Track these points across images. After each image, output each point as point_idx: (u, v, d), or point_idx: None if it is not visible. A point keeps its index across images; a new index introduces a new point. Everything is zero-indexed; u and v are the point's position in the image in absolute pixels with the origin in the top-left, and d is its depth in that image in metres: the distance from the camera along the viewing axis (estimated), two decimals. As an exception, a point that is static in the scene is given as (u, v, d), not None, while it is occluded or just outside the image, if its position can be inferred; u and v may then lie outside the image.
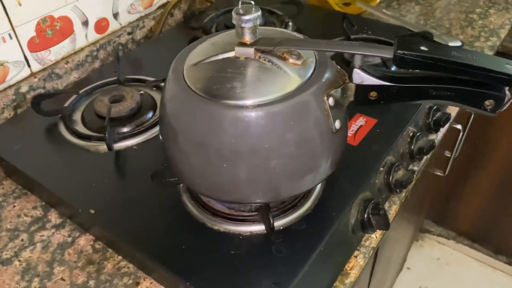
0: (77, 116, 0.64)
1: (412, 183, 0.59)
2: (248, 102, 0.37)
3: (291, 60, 0.40)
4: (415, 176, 0.58)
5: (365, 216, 0.50)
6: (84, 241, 0.54)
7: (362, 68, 0.40)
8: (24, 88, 0.69)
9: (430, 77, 0.39)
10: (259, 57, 0.41)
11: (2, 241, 0.55)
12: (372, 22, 0.83)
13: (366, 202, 0.51)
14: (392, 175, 0.54)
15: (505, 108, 0.39)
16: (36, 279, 0.50)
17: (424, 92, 0.39)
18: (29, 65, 0.70)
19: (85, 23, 0.75)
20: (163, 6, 0.88)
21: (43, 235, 0.55)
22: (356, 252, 0.52)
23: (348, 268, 0.50)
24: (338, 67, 0.43)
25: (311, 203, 0.49)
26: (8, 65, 0.67)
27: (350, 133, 0.58)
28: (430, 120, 0.63)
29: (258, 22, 0.40)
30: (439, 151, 0.95)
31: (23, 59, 0.69)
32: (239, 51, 0.41)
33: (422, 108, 0.62)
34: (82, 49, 0.77)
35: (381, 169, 0.54)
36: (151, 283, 0.49)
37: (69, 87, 0.74)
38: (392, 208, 0.57)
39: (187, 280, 0.43)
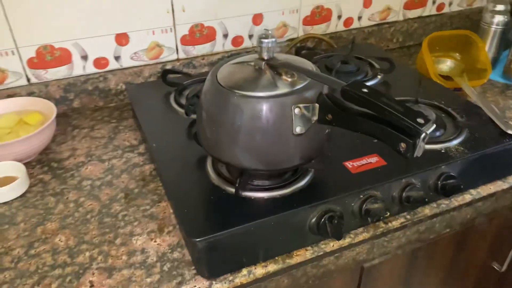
0: (186, 92, 0.91)
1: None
2: (237, 91, 0.56)
3: (283, 77, 0.57)
4: (388, 214, 0.66)
5: (321, 220, 0.62)
6: (148, 167, 0.79)
7: (326, 94, 0.54)
8: (168, 66, 1.00)
9: (368, 114, 0.51)
10: (265, 68, 0.59)
11: (107, 149, 0.84)
12: (454, 97, 0.89)
13: (329, 211, 0.62)
14: (366, 204, 0.64)
15: (416, 155, 0.48)
16: (109, 176, 0.77)
17: (360, 124, 0.51)
18: (177, 53, 1.00)
19: (225, 36, 1.03)
20: (291, 39, 1.10)
21: (129, 155, 0.82)
22: (308, 248, 0.64)
23: (295, 254, 0.63)
24: (327, 92, 0.58)
25: (284, 192, 0.63)
26: (164, 48, 0.98)
27: (356, 164, 0.69)
28: (438, 182, 0.69)
29: (270, 45, 0.58)
30: (500, 242, 0.93)
31: (175, 48, 0.99)
32: (256, 62, 0.60)
33: (434, 169, 0.69)
34: (217, 53, 1.04)
35: (361, 196, 0.65)
36: (166, 204, 0.70)
37: (197, 76, 1.02)
38: (362, 234, 0.66)
39: (174, 200, 0.63)
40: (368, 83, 0.93)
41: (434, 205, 0.71)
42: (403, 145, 0.48)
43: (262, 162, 0.59)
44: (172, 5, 0.93)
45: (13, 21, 0.83)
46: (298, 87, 0.57)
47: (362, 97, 0.50)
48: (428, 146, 0.72)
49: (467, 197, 0.73)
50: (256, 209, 0.61)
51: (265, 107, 0.55)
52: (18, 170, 0.74)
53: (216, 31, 1.01)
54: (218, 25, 1.01)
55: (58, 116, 0.94)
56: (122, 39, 0.93)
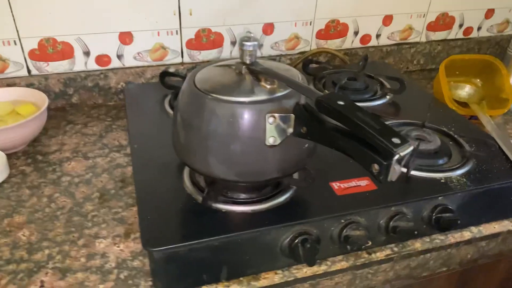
0: (183, 96, 0.88)
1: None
2: (212, 94, 0.52)
3: (262, 83, 0.53)
4: (369, 243, 0.60)
5: (294, 242, 0.56)
6: (131, 169, 0.76)
7: (303, 104, 0.50)
8: (171, 69, 0.98)
9: (343, 130, 0.46)
10: (245, 73, 0.55)
11: (95, 147, 0.82)
12: (466, 125, 0.82)
13: (304, 234, 0.57)
14: (346, 230, 0.58)
15: (390, 179, 0.42)
16: (90, 174, 0.75)
17: (334, 140, 0.46)
18: (182, 57, 0.98)
19: (233, 43, 1.00)
20: (303, 52, 1.06)
21: (115, 155, 0.80)
22: (278, 271, 0.58)
23: (262, 276, 0.58)
24: (305, 103, 0.53)
25: (258, 207, 0.58)
26: (169, 51, 0.96)
27: (343, 185, 0.64)
28: (433, 214, 0.62)
29: (252, 48, 0.54)
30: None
31: (180, 51, 0.97)
32: (236, 66, 0.56)
33: (429, 199, 0.62)
34: (224, 60, 1.01)
35: (342, 221, 0.59)
36: (139, 209, 0.67)
37: (201, 81, 0.99)
38: (340, 263, 0.60)
39: (140, 205, 0.59)
40: (376, 103, 0.88)
41: (427, 239, 0.65)
42: (375, 166, 0.43)
43: (232, 172, 0.54)
44: (179, 7, 0.92)
45: (16, 10, 0.83)
46: (276, 95, 0.52)
47: (336, 110, 0.45)
48: (426, 174, 0.66)
49: (466, 234, 0.66)
50: (224, 223, 0.56)
51: (238, 113, 0.51)
52: (-2, 159, 0.73)
53: (224, 37, 0.98)
54: (226, 32, 0.98)
55: (56, 110, 0.93)
56: (126, 37, 0.92)
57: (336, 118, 0.45)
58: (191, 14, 0.93)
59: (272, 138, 0.51)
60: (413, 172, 0.66)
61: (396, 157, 0.41)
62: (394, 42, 1.13)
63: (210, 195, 0.57)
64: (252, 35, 0.54)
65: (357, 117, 0.44)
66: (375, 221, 0.61)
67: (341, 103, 0.45)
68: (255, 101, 0.52)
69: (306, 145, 0.55)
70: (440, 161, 0.70)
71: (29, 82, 0.90)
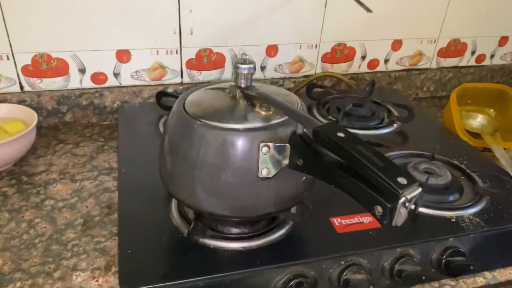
0: (180, 118, 0.84)
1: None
2: (201, 119, 0.48)
3: (257, 109, 0.49)
4: None
5: (289, 285, 0.51)
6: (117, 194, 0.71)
7: (299, 134, 0.45)
8: (170, 89, 0.94)
9: (343, 165, 0.41)
10: (239, 97, 0.50)
11: (84, 169, 0.77)
12: (479, 158, 0.77)
13: (299, 276, 0.52)
14: (346, 272, 0.53)
15: (395, 224, 0.37)
16: (75, 198, 0.70)
17: (332, 175, 0.41)
18: (182, 76, 0.95)
19: (235, 64, 0.96)
20: (307, 76, 1.02)
21: (104, 178, 0.75)
22: (270, 315, 0.53)
23: (252, 321, 0.52)
24: (302, 132, 0.48)
25: (250, 244, 0.53)
26: (168, 70, 0.93)
27: (345, 221, 0.59)
28: (443, 258, 0.57)
29: (247, 71, 0.50)
30: None
31: (179, 71, 0.94)
32: (230, 89, 0.52)
33: (439, 241, 0.57)
34: (225, 81, 0.97)
35: (342, 262, 0.54)
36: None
37: (200, 103, 0.95)
38: (339, 309, 0.55)
39: (122, 237, 0.54)
40: (382, 131, 0.83)
41: (436, 284, 0.59)
42: (379, 209, 0.38)
43: (220, 206, 0.49)
44: (179, 26, 0.88)
45: (10, 24, 0.80)
46: (271, 122, 0.48)
47: (335, 142, 0.40)
48: (435, 212, 0.61)
49: (479, 280, 0.60)
50: (211, 261, 0.51)
51: (228, 141, 0.47)
52: (-22, 179, 0.69)
53: (226, 58, 0.95)
54: (228, 52, 0.94)
55: (48, 128, 0.90)
56: (123, 55, 0.88)
57: (334, 152, 0.41)
58: (192, 34, 0.90)
59: (265, 169, 0.46)
60: (421, 210, 0.61)
61: (402, 199, 0.36)
62: (403, 67, 1.08)
63: (197, 228, 0.52)
64: (247, 57, 0.50)
65: (358, 152, 0.39)
66: (379, 263, 0.56)
67: (341, 135, 0.41)
68: (248, 128, 0.47)
69: (304, 178, 0.51)
70: (451, 198, 0.64)
71: (21, 98, 0.86)
